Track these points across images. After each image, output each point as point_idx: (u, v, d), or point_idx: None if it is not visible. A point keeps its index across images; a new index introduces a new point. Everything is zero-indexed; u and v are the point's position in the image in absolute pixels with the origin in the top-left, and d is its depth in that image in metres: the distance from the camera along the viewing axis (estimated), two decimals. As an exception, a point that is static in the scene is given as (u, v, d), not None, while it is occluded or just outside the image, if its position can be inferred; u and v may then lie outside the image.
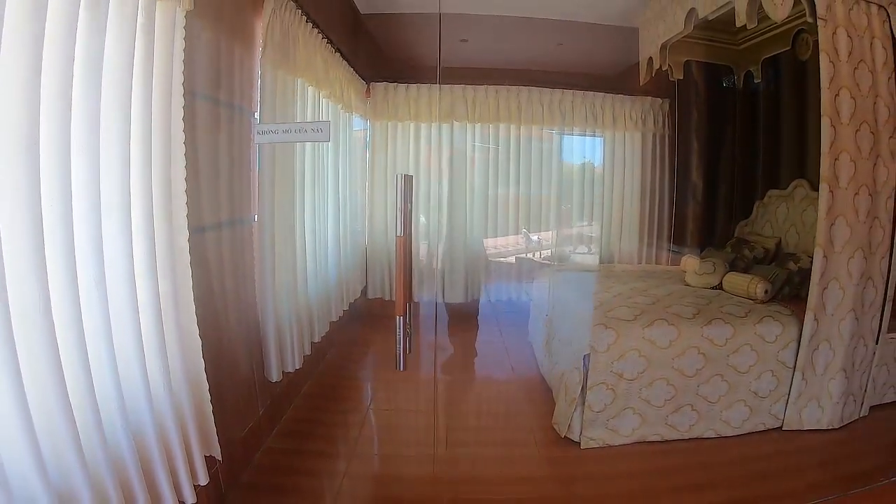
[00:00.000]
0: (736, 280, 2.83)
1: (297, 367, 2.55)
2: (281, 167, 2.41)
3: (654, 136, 3.69)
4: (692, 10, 2.96)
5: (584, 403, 2.32)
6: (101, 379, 1.33)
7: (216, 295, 2.20)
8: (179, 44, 1.80)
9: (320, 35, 2.75)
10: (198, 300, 1.89)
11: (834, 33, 2.48)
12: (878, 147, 2.57)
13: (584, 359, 2.31)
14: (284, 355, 2.49)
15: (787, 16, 2.39)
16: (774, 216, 3.34)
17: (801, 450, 2.54)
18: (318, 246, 2.83)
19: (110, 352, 1.37)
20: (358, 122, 3.62)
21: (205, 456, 1.79)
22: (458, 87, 3.61)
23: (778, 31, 3.44)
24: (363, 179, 3.64)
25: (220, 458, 1.90)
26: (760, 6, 2.53)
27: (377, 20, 3.53)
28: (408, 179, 1.87)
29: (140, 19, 1.50)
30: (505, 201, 3.83)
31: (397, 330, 1.82)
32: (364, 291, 3.71)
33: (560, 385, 2.45)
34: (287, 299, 2.46)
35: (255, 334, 2.44)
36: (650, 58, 3.39)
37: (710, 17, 2.80)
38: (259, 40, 2.38)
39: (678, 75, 3.65)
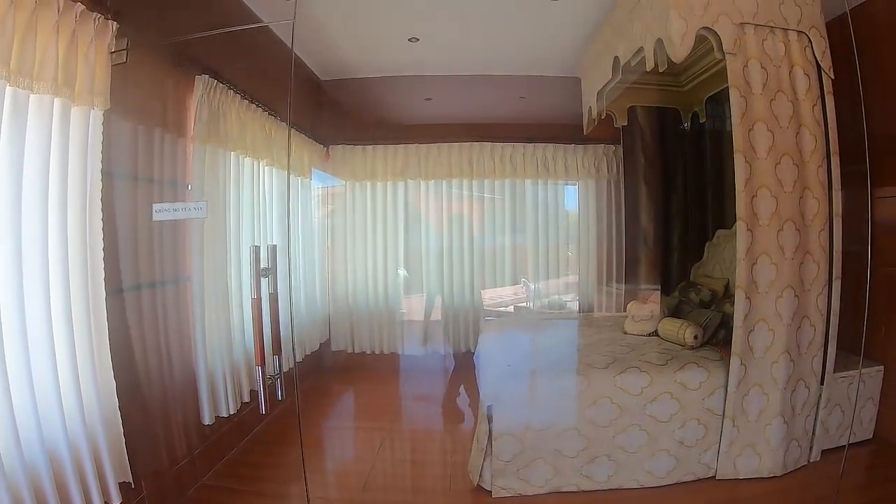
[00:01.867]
0: (669, 326, 2.66)
1: (231, 413, 2.65)
2: (210, 233, 2.56)
3: (609, 182, 3.59)
4: (616, 57, 2.88)
5: (492, 453, 2.24)
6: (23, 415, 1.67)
7: (149, 345, 2.37)
8: (97, 136, 2.06)
9: (260, 109, 2.92)
10: (120, 350, 2.14)
11: (745, 66, 2.34)
12: (804, 179, 2.37)
13: (488, 409, 2.24)
14: (217, 401, 2.59)
15: (686, 56, 2.27)
16: (723, 257, 3.13)
17: (737, 500, 2.32)
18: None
19: (31, 393, 1.70)
20: (331, 181, 3.79)
21: (119, 482, 2.05)
22: (412, 146, 3.69)
23: (717, 68, 3.26)
24: (323, 238, 3.77)
25: (132, 484, 2.11)
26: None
27: (339, 86, 3.67)
28: (270, 249, 1.95)
29: (56, 121, 1.83)
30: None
31: (258, 378, 1.91)
32: (328, 344, 3.78)
33: (474, 434, 2.39)
34: (221, 350, 2.58)
35: (192, 381, 2.58)
36: (590, 106, 3.31)
37: (633, 63, 2.70)
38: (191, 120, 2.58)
39: (622, 122, 3.55)
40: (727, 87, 3.40)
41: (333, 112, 3.72)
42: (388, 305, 3.73)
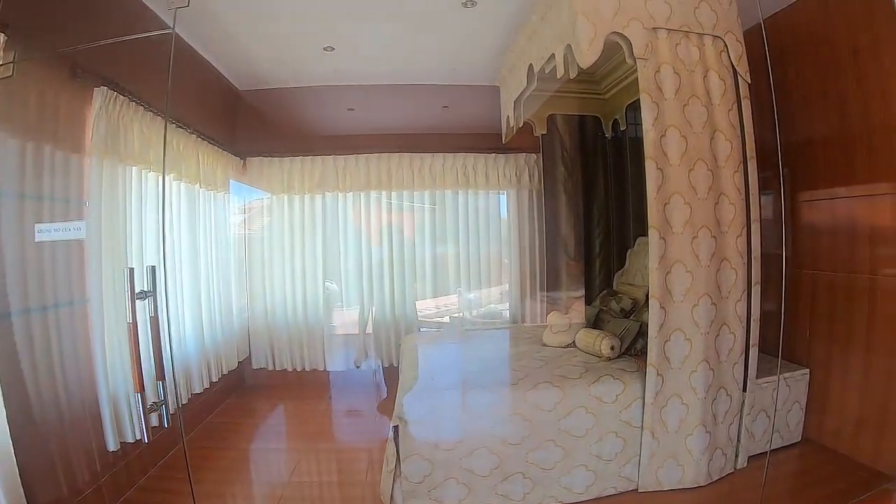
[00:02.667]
0: (586, 337, 2.58)
1: (139, 437, 2.50)
2: (109, 252, 2.41)
3: (531, 192, 3.51)
4: (530, 65, 2.79)
5: (401, 475, 2.13)
6: None
7: (42, 370, 2.22)
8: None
9: (166, 122, 2.77)
10: (10, 376, 1.99)
11: (657, 71, 2.26)
12: (719, 185, 2.30)
13: (393, 430, 2.13)
14: (122, 426, 2.45)
15: (593, 62, 2.18)
16: (643, 265, 3.05)
17: (660, 513, 2.24)
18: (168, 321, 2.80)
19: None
20: (252, 194, 3.65)
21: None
22: (329, 158, 3.58)
23: (636, 75, 3.19)
24: (239, 252, 3.63)
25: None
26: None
27: (257, 96, 3.54)
28: (149, 270, 1.81)
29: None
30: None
31: (138, 405, 1.77)
32: (247, 362, 3.65)
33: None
34: (125, 373, 2.43)
35: (95, 406, 2.43)
36: (508, 115, 3.23)
37: (546, 71, 2.61)
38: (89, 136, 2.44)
39: (541, 130, 3.48)
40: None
41: (251, 123, 3.59)
42: (313, 320, 3.60)
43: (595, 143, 3.63)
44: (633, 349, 2.48)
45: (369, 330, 3.58)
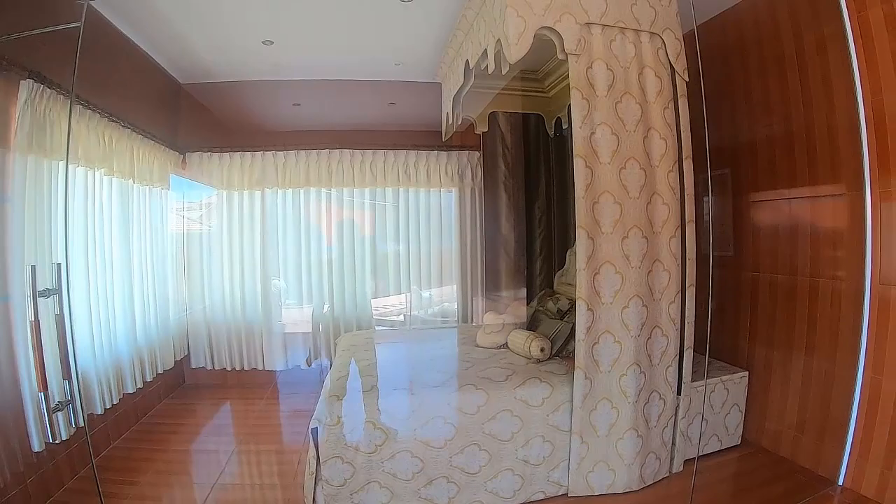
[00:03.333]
0: (517, 338, 2.51)
1: (66, 437, 2.44)
2: (33, 247, 2.34)
3: (473, 190, 3.44)
4: (466, 60, 2.71)
5: (322, 478, 2.07)
6: None
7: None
8: None
9: (98, 115, 2.68)
10: None
11: (590, 67, 2.19)
12: (652, 184, 2.24)
13: (312, 432, 2.06)
14: (44, 425, 2.39)
15: (521, 56, 2.11)
16: None
17: (590, 518, 2.18)
18: (92, 319, 2.74)
19: None
20: (195, 190, 3.58)
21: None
22: (269, 154, 3.51)
23: None
24: (177, 249, 3.55)
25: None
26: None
27: (199, 90, 3.46)
28: (54, 267, 1.75)
29: None
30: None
31: (41, 404, 1.71)
32: (186, 361, 3.57)
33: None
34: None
35: (18, 406, 2.37)
36: (447, 112, 3.15)
37: (482, 66, 2.54)
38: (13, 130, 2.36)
39: (482, 128, 3.40)
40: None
41: (193, 117, 3.51)
42: (253, 318, 3.53)
43: (537, 141, 3.56)
44: (564, 351, 2.42)
45: (322, 328, 3.52)
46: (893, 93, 2.09)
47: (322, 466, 2.05)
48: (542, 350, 2.37)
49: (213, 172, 3.50)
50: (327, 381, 2.41)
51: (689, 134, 2.32)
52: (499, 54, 2.28)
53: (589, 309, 2.13)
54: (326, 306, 3.67)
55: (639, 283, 2.18)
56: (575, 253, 3.26)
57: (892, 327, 2.17)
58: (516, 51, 2.11)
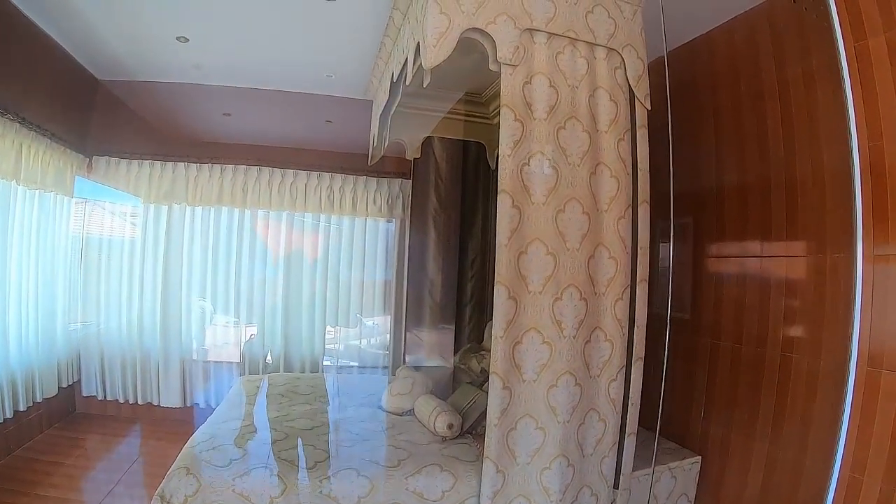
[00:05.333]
0: (424, 407, 2.01)
1: None
2: None
3: (403, 222, 2.96)
4: (392, 73, 2.20)
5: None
6: None
7: None
8: None
9: None
10: None
11: (527, 82, 1.71)
12: (597, 233, 1.76)
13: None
14: None
15: (439, 62, 1.63)
16: None
17: None
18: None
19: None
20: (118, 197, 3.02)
21: None
22: (181, 165, 2.98)
23: None
24: (73, 263, 2.98)
25: None
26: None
27: (125, 89, 2.89)
28: None
29: None
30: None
31: None
32: (76, 387, 3.00)
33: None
34: None
35: None
36: (373, 134, 2.65)
37: (408, 81, 2.04)
38: None
39: (414, 154, 2.90)
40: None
41: (109, 118, 2.96)
42: (150, 344, 2.98)
43: (476, 173, 3.05)
44: (479, 426, 1.93)
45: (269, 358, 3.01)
46: (896, 140, 1.65)
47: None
48: (449, 427, 1.87)
49: (119, 180, 2.95)
50: (189, 443, 1.88)
51: (648, 173, 1.86)
52: (416, 62, 1.79)
53: (506, 387, 1.63)
54: (252, 333, 3.14)
55: (572, 356, 1.69)
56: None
57: (881, 421, 1.72)
58: (433, 55, 1.61)
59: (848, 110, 1.74)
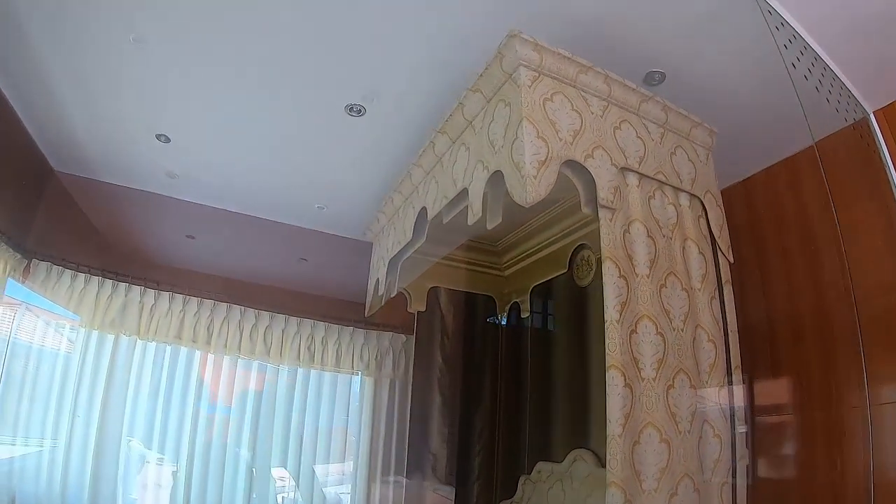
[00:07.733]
0: None
1: None
2: None
3: (394, 383, 2.56)
4: (423, 208, 1.85)
5: None
6: None
7: None
8: None
9: None
10: None
11: (626, 231, 1.45)
12: (702, 411, 1.45)
13: None
14: None
15: (542, 198, 1.31)
16: (546, 499, 2.10)
17: None
18: None
19: None
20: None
21: None
22: (136, 289, 2.39)
23: (552, 248, 2.41)
24: None
25: None
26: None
27: (79, 185, 2.28)
28: None
29: None
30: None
31: None
32: None
33: None
34: None
35: None
36: (377, 279, 2.24)
37: (448, 217, 1.71)
38: None
39: (418, 306, 2.54)
40: (559, 275, 2.41)
41: (52, 215, 2.31)
42: (89, 493, 2.15)
43: (486, 331, 2.71)
44: None
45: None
46: None
47: None
48: None
49: (59, 294, 2.23)
50: None
51: (738, 335, 1.63)
52: (487, 196, 1.44)
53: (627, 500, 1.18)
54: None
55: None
56: (533, 482, 2.30)
57: None
58: (536, 188, 1.28)
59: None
